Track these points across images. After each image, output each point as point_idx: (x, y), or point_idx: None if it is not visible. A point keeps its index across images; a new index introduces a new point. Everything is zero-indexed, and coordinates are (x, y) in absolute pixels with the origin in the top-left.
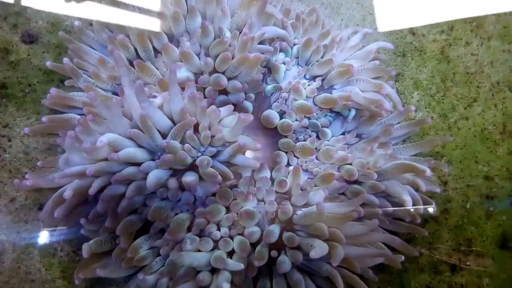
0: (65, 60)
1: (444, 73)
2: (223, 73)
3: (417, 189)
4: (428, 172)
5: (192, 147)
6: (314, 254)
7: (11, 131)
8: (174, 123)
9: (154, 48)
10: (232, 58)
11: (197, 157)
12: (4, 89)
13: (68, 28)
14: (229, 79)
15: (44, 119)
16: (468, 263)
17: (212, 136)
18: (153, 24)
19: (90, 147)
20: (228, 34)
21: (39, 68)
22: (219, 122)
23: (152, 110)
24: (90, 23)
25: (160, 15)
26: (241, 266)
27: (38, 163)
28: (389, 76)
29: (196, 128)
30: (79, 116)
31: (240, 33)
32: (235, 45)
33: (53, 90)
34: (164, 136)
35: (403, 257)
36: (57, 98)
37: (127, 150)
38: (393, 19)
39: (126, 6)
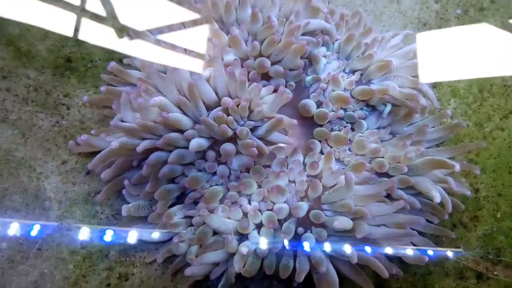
0: (126, 38)
1: (481, 84)
2: (268, 57)
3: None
4: (457, 167)
5: (234, 119)
6: (338, 223)
7: (71, 101)
8: (219, 98)
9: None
10: (278, 43)
11: (237, 128)
12: (68, 63)
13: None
14: (272, 64)
15: (102, 88)
16: (495, 272)
17: (252, 111)
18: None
19: (143, 103)
20: (275, 21)
21: (102, 47)
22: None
23: (201, 82)
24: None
25: (213, 4)
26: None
27: (92, 132)
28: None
29: (237, 102)
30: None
31: (287, 21)
32: (282, 32)
33: (112, 63)
34: (208, 108)
35: (427, 258)
36: (116, 70)
37: (175, 114)
38: (433, 28)
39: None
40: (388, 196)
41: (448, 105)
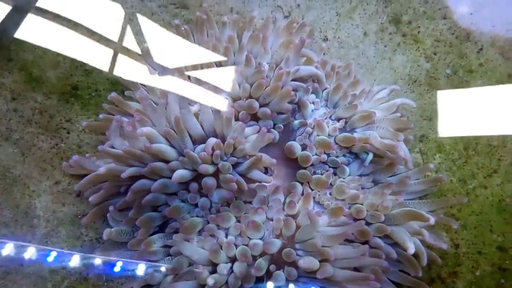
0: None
1: (467, 142)
2: (257, 99)
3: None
4: (432, 220)
5: (218, 155)
6: (303, 263)
7: (72, 125)
8: (205, 133)
9: None
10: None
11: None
12: (75, 90)
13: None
14: (261, 106)
15: (101, 116)
16: None
17: (235, 148)
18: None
19: (130, 131)
20: (266, 66)
21: (107, 78)
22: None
23: (189, 116)
24: None
25: (214, 47)
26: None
27: (87, 155)
28: (409, 129)
29: (222, 139)
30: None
31: (277, 67)
32: (271, 77)
33: (113, 93)
34: (195, 141)
35: None
36: (116, 100)
37: (159, 145)
38: (422, 86)
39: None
40: (366, 243)
41: (433, 159)
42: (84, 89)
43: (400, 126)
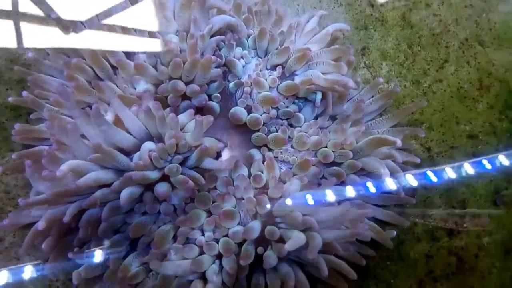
0: (24, 93)
1: (409, 39)
2: (180, 78)
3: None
4: (399, 142)
5: (160, 157)
6: (288, 246)
7: None
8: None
9: (112, 66)
10: (184, 63)
11: (165, 166)
12: None
13: (26, 62)
14: (186, 83)
15: (14, 156)
16: (465, 225)
17: (177, 144)
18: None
19: (49, 175)
20: (174, 39)
21: (5, 106)
22: (181, 129)
23: (112, 131)
24: (47, 52)
25: (109, 29)
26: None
27: (20, 200)
28: (348, 55)
29: (160, 139)
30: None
31: (187, 34)
32: (185, 50)
33: (17, 126)
34: (129, 152)
35: (394, 232)
36: (22, 132)
37: (89, 176)
38: None
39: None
40: (342, 183)
41: (380, 69)
42: None
43: (339, 55)
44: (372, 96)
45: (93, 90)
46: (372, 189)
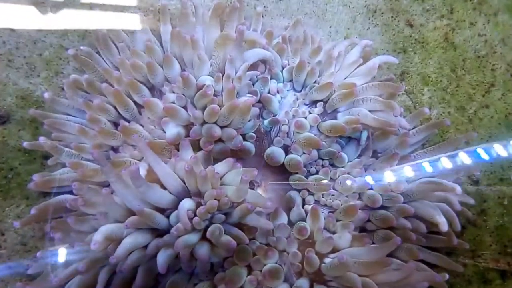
0: (41, 139)
1: (452, 62)
2: (215, 122)
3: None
4: (458, 190)
5: (201, 219)
6: None
7: (3, 224)
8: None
9: (135, 103)
10: (221, 106)
11: (206, 226)
12: None
13: (39, 99)
14: (222, 127)
15: (33, 211)
16: None
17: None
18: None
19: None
20: (209, 81)
21: (18, 149)
22: (220, 184)
23: (150, 192)
24: (61, 87)
25: (133, 66)
26: None
27: (38, 254)
28: (399, 92)
29: (199, 193)
30: (70, 197)
31: (223, 74)
32: (220, 90)
33: (35, 177)
34: (167, 209)
35: (447, 276)
36: (42, 184)
37: (125, 245)
38: (385, 14)
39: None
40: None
41: (422, 95)
42: None
43: (388, 91)
44: (415, 126)
45: (117, 132)
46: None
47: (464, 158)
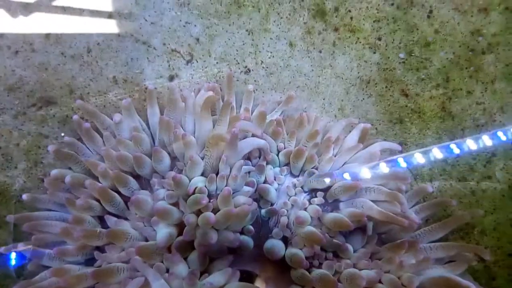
0: (20, 245)
1: (451, 132)
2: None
3: None
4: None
5: None
6: None
7: None
8: None
9: (122, 194)
10: (216, 209)
11: None
12: None
13: (16, 193)
14: (218, 229)
15: None
16: None
17: None
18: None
19: None
20: (201, 183)
21: None
22: None
23: None
24: (41, 178)
25: (119, 158)
26: None
27: None
28: (406, 182)
29: None
30: None
31: (216, 174)
32: (215, 189)
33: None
34: None
35: None
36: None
37: None
38: (379, 84)
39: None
40: None
41: (422, 167)
42: None
43: (393, 180)
44: (416, 203)
45: (103, 231)
46: None
47: None
